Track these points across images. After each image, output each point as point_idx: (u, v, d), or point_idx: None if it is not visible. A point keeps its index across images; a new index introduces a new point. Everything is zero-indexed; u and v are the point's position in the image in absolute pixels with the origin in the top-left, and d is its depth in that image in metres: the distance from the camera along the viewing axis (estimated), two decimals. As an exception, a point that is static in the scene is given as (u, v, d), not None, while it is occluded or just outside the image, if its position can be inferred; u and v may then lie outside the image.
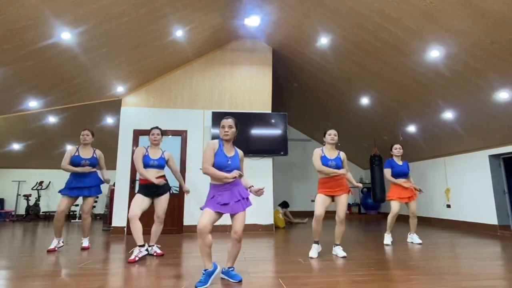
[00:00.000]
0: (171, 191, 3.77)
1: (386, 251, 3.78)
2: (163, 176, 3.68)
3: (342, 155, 3.65)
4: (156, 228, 3.65)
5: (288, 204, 7.47)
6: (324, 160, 3.53)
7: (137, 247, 3.36)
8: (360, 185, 3.68)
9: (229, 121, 2.58)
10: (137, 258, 3.26)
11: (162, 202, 3.62)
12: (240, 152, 2.70)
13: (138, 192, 3.54)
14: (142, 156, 3.55)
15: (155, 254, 3.57)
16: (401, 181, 4.41)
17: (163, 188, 3.63)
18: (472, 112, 4.97)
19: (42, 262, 3.23)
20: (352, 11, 4.40)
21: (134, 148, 5.61)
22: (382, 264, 3.10)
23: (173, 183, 5.55)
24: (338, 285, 2.43)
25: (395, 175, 4.43)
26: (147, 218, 3.36)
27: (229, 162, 2.53)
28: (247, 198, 2.59)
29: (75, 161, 3.94)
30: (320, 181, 3.60)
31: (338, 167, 3.52)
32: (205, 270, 2.42)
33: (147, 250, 3.53)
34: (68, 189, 3.88)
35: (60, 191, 3.91)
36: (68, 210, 3.91)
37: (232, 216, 2.53)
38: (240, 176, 2.48)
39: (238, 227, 2.47)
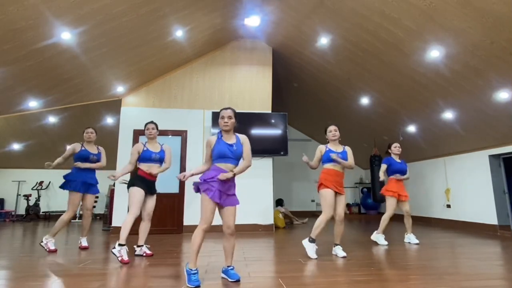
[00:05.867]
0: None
1: (385, 251, 3.78)
2: (155, 176, 3.66)
3: (348, 149, 3.63)
4: (145, 226, 3.61)
5: (283, 200, 7.50)
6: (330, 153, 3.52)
7: (120, 245, 3.20)
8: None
9: (228, 112, 2.62)
10: (126, 257, 3.17)
11: (152, 201, 3.64)
12: (241, 137, 2.68)
13: (135, 185, 3.44)
14: (138, 152, 3.53)
15: (144, 254, 3.52)
16: (397, 176, 4.43)
17: (155, 188, 3.66)
18: (472, 112, 4.97)
19: (42, 262, 3.23)
20: (352, 11, 4.40)
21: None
22: (382, 264, 3.10)
23: (171, 182, 5.58)
24: (338, 285, 2.42)
25: (394, 172, 4.45)
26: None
27: (235, 148, 2.56)
28: (236, 196, 2.63)
29: (84, 156, 3.95)
30: (326, 171, 3.52)
31: (344, 160, 3.53)
32: (196, 269, 2.43)
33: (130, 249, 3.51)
34: (76, 183, 3.87)
35: (69, 187, 3.85)
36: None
37: (221, 210, 2.54)
38: (234, 175, 2.53)
39: (230, 221, 2.52)
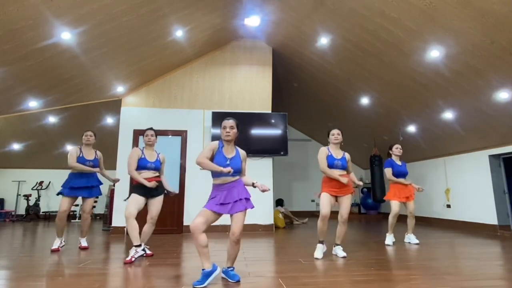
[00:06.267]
0: (166, 192, 3.76)
1: (386, 251, 3.78)
2: (158, 177, 3.67)
3: (347, 155, 3.63)
4: (148, 229, 3.61)
5: (283, 200, 7.52)
6: (330, 160, 3.50)
7: (133, 247, 3.32)
8: (361, 183, 3.68)
9: (230, 122, 2.59)
10: (133, 259, 3.23)
11: (157, 204, 3.60)
12: (242, 152, 2.68)
13: (133, 192, 3.50)
14: (137, 158, 3.54)
15: (144, 255, 3.52)
16: (401, 180, 4.42)
17: (158, 190, 3.63)
18: (472, 112, 4.96)
19: (42, 262, 3.23)
20: (352, 11, 4.40)
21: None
22: (382, 264, 3.10)
23: (171, 183, 5.58)
24: (338, 285, 2.42)
25: (396, 175, 4.44)
26: (139, 218, 3.37)
27: (228, 163, 2.54)
28: (248, 199, 2.57)
29: (80, 162, 3.94)
30: (325, 179, 3.56)
31: (344, 167, 3.51)
32: (203, 269, 2.43)
33: (144, 250, 3.51)
34: (69, 189, 3.88)
35: (60, 193, 3.89)
36: (69, 209, 3.92)
37: (231, 216, 2.53)
38: (229, 172, 2.43)
39: (236, 228, 2.46)
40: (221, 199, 2.48)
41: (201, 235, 2.38)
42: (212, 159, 2.58)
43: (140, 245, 3.38)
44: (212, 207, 2.45)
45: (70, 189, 3.88)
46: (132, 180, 3.59)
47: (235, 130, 2.60)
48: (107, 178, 4.14)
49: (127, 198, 3.59)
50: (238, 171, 2.58)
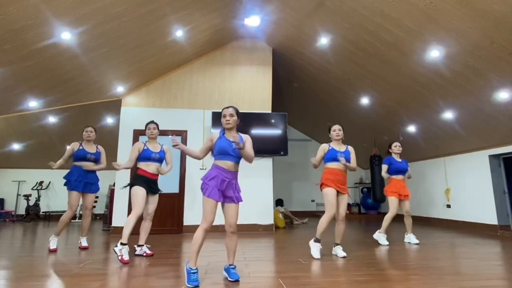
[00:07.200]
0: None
1: (386, 251, 3.78)
2: (157, 175, 3.67)
3: (351, 148, 3.64)
4: (147, 226, 3.60)
5: (282, 200, 7.52)
6: (333, 152, 3.51)
7: (122, 244, 3.21)
8: (354, 166, 3.56)
9: (230, 110, 2.62)
10: (123, 256, 3.15)
11: (155, 201, 3.64)
12: (245, 136, 2.69)
13: (137, 184, 3.45)
14: (138, 150, 3.54)
15: (145, 254, 3.52)
16: (398, 177, 4.43)
17: (157, 187, 3.65)
18: (472, 112, 4.96)
19: (42, 262, 3.23)
20: (352, 11, 4.40)
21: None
22: (382, 264, 3.10)
23: (171, 182, 5.58)
24: (338, 285, 2.42)
25: (395, 171, 4.45)
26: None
27: (234, 147, 2.54)
28: (239, 194, 2.64)
29: (81, 155, 3.95)
30: (328, 170, 3.52)
31: (347, 160, 3.51)
32: (196, 268, 2.43)
33: (141, 249, 3.51)
34: (75, 182, 3.87)
35: (68, 187, 3.86)
36: (78, 204, 3.94)
37: (224, 208, 2.56)
38: (241, 147, 2.47)
39: (232, 220, 2.53)
40: (222, 186, 2.49)
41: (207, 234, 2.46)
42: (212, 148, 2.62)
43: (126, 244, 3.26)
44: (215, 196, 2.44)
45: (76, 181, 3.87)
46: (137, 170, 3.57)
47: (235, 118, 2.62)
48: (96, 168, 4.07)
49: (126, 186, 3.57)
50: (241, 157, 2.60)
